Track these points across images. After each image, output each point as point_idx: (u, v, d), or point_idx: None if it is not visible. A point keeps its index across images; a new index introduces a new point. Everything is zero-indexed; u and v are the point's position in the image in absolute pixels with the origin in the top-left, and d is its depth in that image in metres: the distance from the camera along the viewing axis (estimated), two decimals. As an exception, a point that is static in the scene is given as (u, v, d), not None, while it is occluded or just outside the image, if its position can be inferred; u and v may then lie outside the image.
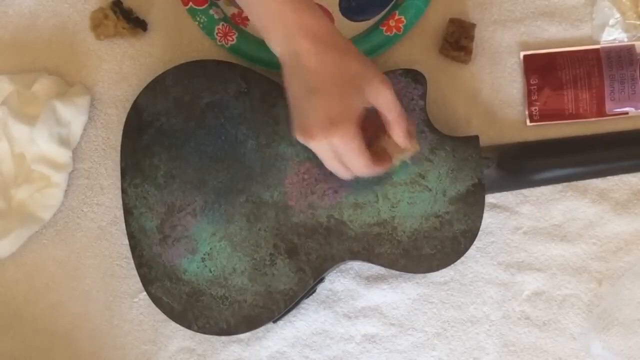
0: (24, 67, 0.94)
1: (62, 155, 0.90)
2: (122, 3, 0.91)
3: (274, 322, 0.86)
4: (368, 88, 0.74)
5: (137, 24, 0.92)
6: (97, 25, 0.92)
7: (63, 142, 0.90)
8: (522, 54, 0.91)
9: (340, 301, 0.90)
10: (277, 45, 0.74)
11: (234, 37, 0.90)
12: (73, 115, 0.90)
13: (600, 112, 0.89)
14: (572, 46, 0.91)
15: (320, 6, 0.91)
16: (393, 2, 0.91)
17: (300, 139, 0.74)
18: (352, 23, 0.91)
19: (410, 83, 0.85)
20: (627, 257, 0.89)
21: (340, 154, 0.74)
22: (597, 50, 0.90)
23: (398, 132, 0.78)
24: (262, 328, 0.88)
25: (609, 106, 0.90)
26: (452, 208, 0.84)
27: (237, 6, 0.91)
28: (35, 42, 0.94)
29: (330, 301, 0.90)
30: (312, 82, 0.72)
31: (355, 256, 0.84)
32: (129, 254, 0.87)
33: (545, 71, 0.90)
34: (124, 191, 0.86)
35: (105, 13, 0.91)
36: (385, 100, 0.75)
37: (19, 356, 0.91)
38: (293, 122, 0.75)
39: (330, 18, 0.91)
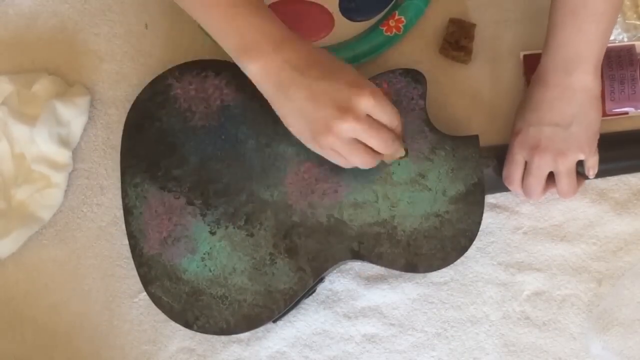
0: (24, 67, 0.94)
1: (62, 155, 0.90)
2: None
3: (274, 322, 0.86)
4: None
5: None
6: None
7: (63, 142, 0.90)
8: (522, 53, 0.91)
9: (340, 301, 0.90)
10: (261, 60, 0.74)
11: (234, 36, 0.90)
12: (73, 115, 0.90)
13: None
14: (571, 46, 0.91)
15: (320, 7, 0.91)
16: (393, 2, 0.91)
17: (329, 129, 0.74)
18: (352, 23, 0.91)
19: (410, 83, 0.85)
20: (627, 257, 0.89)
21: (376, 111, 0.74)
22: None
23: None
24: (262, 328, 0.88)
25: (608, 106, 0.90)
26: (452, 207, 0.84)
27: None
28: (35, 42, 0.94)
29: (330, 301, 0.90)
30: (318, 71, 0.74)
31: (355, 256, 0.84)
32: (129, 254, 0.86)
33: (545, 71, 0.90)
34: (124, 191, 0.86)
35: None
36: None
37: (19, 356, 0.91)
38: (308, 127, 0.75)
39: (330, 19, 0.91)
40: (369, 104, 0.73)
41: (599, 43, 0.79)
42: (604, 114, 0.90)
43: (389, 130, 0.77)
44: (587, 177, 0.86)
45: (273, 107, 0.76)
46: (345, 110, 0.73)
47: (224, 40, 0.75)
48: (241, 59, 0.75)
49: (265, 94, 0.76)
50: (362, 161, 0.77)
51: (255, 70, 0.74)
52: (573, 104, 0.80)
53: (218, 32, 0.75)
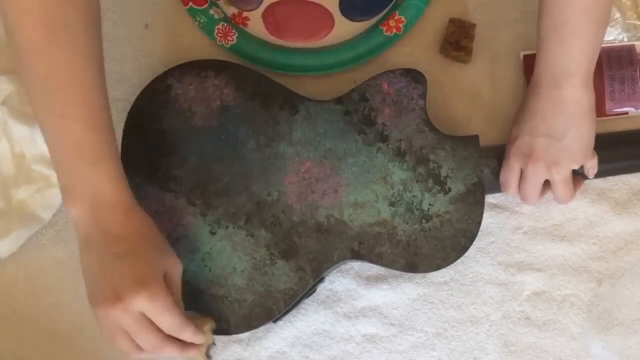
0: (24, 67, 0.94)
1: None
2: None
3: (274, 322, 0.86)
4: (168, 259, 0.76)
5: None
6: None
7: None
8: (522, 53, 0.91)
9: (340, 301, 0.90)
10: (79, 210, 0.73)
11: (234, 37, 0.90)
12: None
13: (600, 112, 0.89)
14: (571, 46, 0.91)
15: (320, 7, 0.91)
16: (393, 2, 0.91)
17: (101, 305, 0.72)
18: (352, 23, 0.91)
19: (410, 83, 0.85)
20: (627, 257, 0.89)
21: (151, 314, 0.72)
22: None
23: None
24: (262, 328, 0.88)
25: (608, 106, 0.90)
26: (452, 207, 0.84)
27: (237, 6, 0.92)
28: (35, 42, 0.94)
29: (330, 301, 0.90)
30: (119, 248, 0.73)
31: (355, 256, 0.84)
32: (129, 254, 0.87)
33: (545, 71, 0.90)
34: (124, 191, 0.86)
35: None
36: (178, 279, 0.77)
37: (20, 356, 0.91)
38: (90, 290, 0.74)
39: (330, 19, 0.91)
40: (143, 304, 0.71)
41: (585, 57, 0.79)
42: (604, 114, 0.90)
43: (161, 334, 0.74)
44: (587, 177, 0.86)
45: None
46: (119, 299, 0.71)
47: (57, 171, 0.74)
48: (64, 197, 0.74)
49: (77, 238, 0.75)
50: (121, 349, 0.75)
51: (72, 213, 0.74)
52: (565, 117, 0.80)
53: (54, 163, 0.74)
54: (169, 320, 0.74)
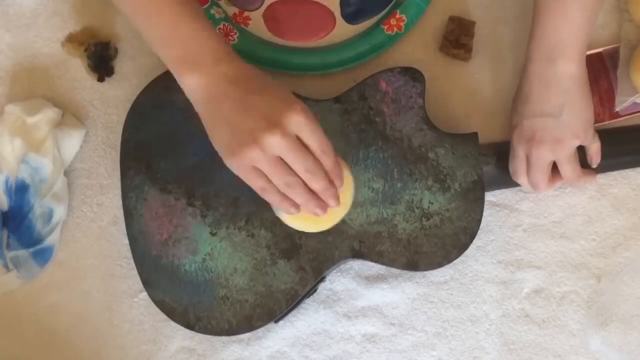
0: (23, 66, 0.93)
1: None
2: (109, 47, 0.92)
3: (276, 322, 0.86)
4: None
5: (100, 71, 0.92)
6: (69, 41, 0.92)
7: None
8: None
9: (340, 301, 0.90)
10: (199, 74, 0.73)
11: (235, 37, 0.90)
12: (67, 145, 0.90)
13: (612, 115, 0.90)
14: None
15: (322, 6, 0.91)
16: (394, 1, 0.91)
17: (258, 137, 0.72)
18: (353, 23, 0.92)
19: (408, 81, 0.85)
20: (626, 252, 0.90)
21: (306, 130, 0.73)
22: (599, 54, 0.90)
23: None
24: (263, 328, 0.88)
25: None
26: (452, 205, 0.84)
27: (238, 6, 0.91)
28: (35, 41, 0.94)
29: (330, 301, 0.90)
30: (254, 84, 0.73)
31: (356, 254, 0.84)
32: (129, 254, 0.86)
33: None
34: (124, 192, 0.86)
35: (80, 42, 0.92)
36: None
37: (19, 356, 0.91)
38: (235, 136, 0.73)
39: (332, 18, 0.91)
40: (300, 119, 0.72)
41: (583, 30, 0.79)
42: (617, 116, 0.90)
43: (317, 160, 0.74)
44: (592, 168, 0.86)
45: (202, 120, 0.75)
46: (274, 124, 0.71)
47: (163, 49, 0.75)
48: (179, 69, 0.74)
49: (197, 105, 0.75)
50: (284, 180, 0.74)
51: (192, 82, 0.74)
52: (560, 93, 0.80)
53: (159, 41, 0.75)
54: (322, 136, 0.74)
